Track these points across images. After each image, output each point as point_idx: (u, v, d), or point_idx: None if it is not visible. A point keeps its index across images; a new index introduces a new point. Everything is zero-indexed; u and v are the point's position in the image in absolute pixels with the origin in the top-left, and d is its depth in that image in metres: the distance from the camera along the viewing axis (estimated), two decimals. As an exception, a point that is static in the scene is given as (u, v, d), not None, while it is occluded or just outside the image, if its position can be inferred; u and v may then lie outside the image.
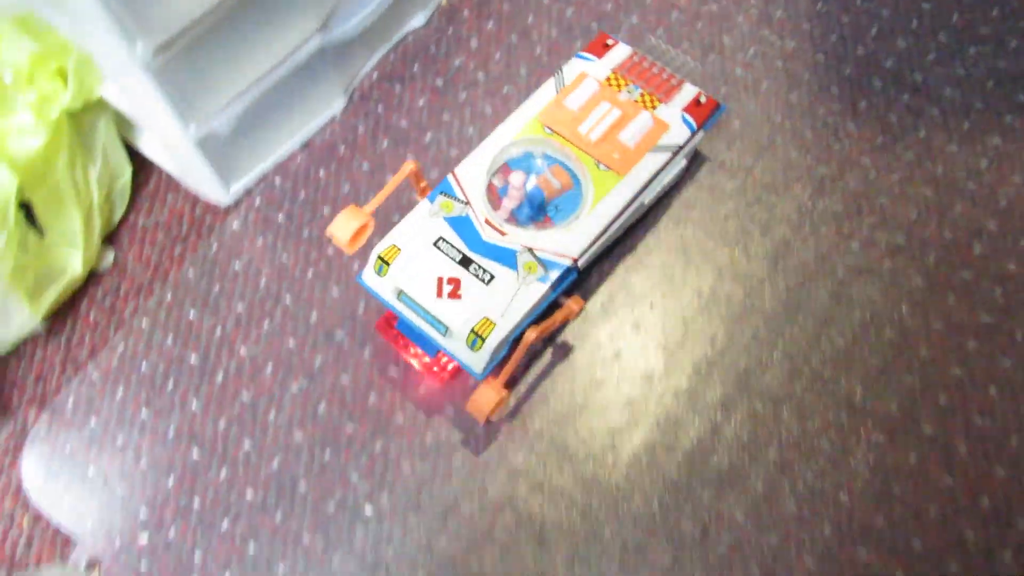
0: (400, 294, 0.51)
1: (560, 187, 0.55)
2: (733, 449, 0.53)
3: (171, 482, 0.54)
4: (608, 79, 0.59)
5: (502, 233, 0.53)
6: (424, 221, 0.53)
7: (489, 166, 0.55)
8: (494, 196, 0.55)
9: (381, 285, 0.52)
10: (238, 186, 0.68)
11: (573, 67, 0.60)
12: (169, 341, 0.58)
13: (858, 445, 0.53)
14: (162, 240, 0.67)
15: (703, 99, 0.59)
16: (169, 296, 0.59)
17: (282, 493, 0.54)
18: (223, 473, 0.54)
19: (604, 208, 0.54)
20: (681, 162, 0.59)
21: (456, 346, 0.51)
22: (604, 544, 0.51)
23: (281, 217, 0.63)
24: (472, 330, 0.50)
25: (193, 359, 0.57)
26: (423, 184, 0.56)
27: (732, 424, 0.54)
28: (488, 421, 0.53)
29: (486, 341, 0.50)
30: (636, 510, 0.52)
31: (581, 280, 0.60)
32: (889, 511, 0.51)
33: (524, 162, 0.57)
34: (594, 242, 0.54)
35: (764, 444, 0.53)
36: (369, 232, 0.54)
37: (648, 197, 0.57)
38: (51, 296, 0.65)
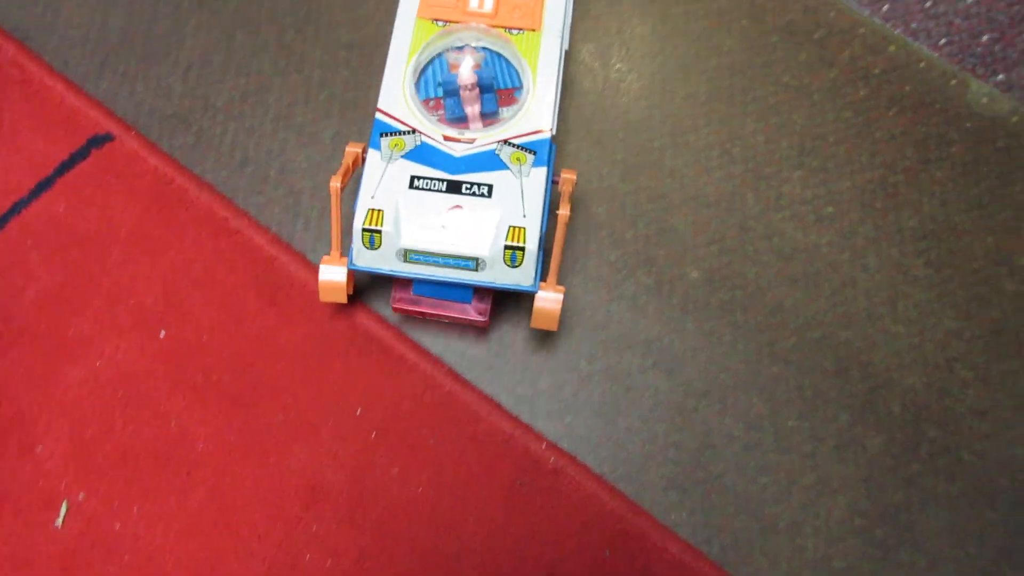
0: (407, 255, 0.46)
1: (481, 56, 0.52)
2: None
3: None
4: None
5: (470, 141, 0.48)
6: (384, 171, 0.47)
7: (409, 85, 0.50)
8: (439, 111, 0.50)
9: (381, 258, 0.46)
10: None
11: None
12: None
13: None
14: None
15: None
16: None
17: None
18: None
19: (545, 67, 0.51)
20: None
21: (496, 273, 0.46)
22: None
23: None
24: (505, 246, 0.45)
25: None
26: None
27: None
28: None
29: (526, 249, 0.45)
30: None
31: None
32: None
33: (435, 72, 0.52)
34: (555, 105, 0.50)
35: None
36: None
37: (567, 43, 0.55)
38: None
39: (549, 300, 0.47)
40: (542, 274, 0.48)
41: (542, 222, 0.47)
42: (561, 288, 0.47)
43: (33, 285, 0.53)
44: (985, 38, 0.63)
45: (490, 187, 0.47)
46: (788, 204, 0.58)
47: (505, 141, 0.48)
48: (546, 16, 0.52)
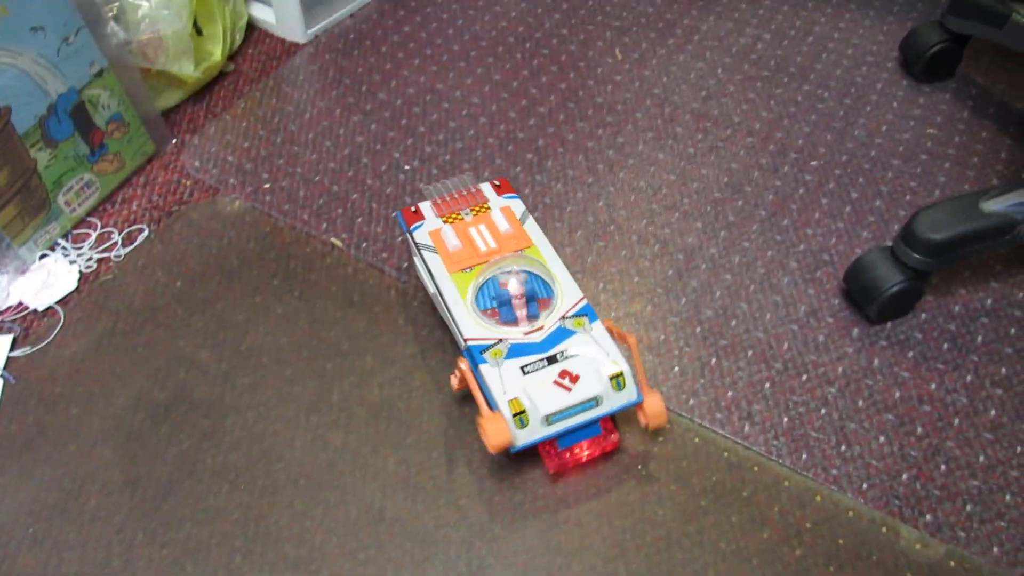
0: (548, 419, 0.62)
1: (524, 277, 0.70)
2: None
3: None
4: (445, 220, 0.75)
5: (541, 327, 0.66)
6: (500, 373, 0.63)
7: (475, 312, 0.68)
8: (495, 317, 0.68)
9: (533, 430, 0.62)
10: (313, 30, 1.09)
11: (420, 235, 0.74)
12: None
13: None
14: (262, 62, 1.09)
15: (498, 182, 0.78)
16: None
17: None
18: None
19: (555, 266, 0.71)
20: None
21: (611, 400, 0.63)
22: None
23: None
24: (610, 378, 0.63)
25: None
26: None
27: None
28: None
29: (625, 376, 0.63)
30: None
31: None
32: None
33: (487, 293, 0.70)
34: (572, 280, 0.70)
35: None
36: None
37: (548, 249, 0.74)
38: (202, 67, 1.01)
39: (654, 405, 0.64)
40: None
41: (620, 355, 0.64)
42: (656, 390, 0.66)
43: None
44: (904, 476, 0.66)
45: (576, 351, 0.64)
46: None
47: (563, 317, 0.67)
48: (531, 235, 0.73)
